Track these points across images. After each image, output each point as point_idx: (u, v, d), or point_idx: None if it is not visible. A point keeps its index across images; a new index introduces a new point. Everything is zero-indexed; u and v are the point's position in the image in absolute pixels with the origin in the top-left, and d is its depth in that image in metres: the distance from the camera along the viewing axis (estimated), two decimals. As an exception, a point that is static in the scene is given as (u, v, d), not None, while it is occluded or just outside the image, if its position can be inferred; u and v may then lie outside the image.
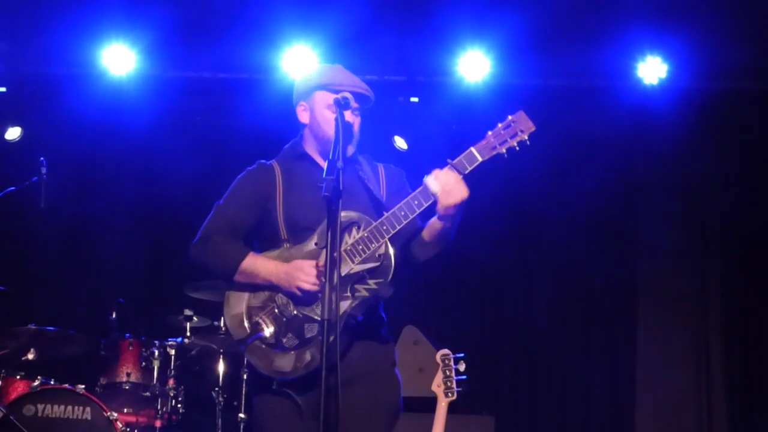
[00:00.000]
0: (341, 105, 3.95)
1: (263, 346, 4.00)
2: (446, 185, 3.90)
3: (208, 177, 7.48)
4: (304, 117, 4.26)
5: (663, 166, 8.21)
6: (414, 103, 7.95)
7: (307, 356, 3.94)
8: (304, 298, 3.96)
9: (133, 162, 8.16)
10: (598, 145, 8.00)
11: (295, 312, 3.98)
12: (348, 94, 4.04)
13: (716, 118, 7.93)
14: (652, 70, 7.61)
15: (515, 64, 7.63)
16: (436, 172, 3.93)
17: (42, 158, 6.39)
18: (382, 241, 3.93)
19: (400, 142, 7.94)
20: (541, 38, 7.40)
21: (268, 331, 4.00)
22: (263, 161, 4.29)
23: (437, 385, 5.10)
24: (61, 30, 7.36)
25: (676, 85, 7.66)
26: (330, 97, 4.12)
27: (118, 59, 7.60)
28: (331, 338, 3.58)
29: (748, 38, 7.30)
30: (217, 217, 4.20)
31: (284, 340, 3.98)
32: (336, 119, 3.91)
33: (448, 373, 5.09)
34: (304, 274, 3.92)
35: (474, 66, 7.63)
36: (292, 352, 3.96)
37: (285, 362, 3.96)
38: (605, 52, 7.51)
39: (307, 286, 3.91)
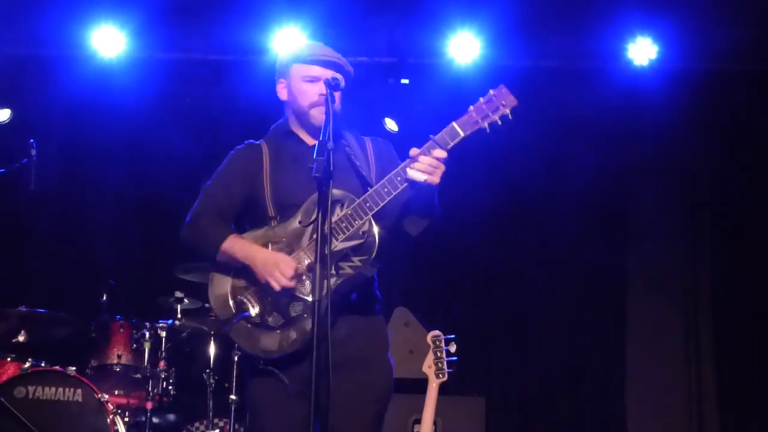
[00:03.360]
0: (331, 85, 3.96)
1: (248, 325, 4.01)
2: (428, 169, 3.90)
3: (198, 158, 7.48)
4: (283, 94, 4.27)
5: (653, 147, 8.22)
6: (404, 84, 7.94)
7: (292, 335, 3.94)
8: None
9: (123, 144, 8.13)
10: (589, 127, 8.01)
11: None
12: (333, 72, 4.10)
13: (706, 99, 7.93)
14: (642, 51, 7.60)
15: (506, 46, 7.61)
16: (414, 157, 3.91)
17: (32, 140, 6.36)
18: (365, 218, 3.93)
19: (391, 124, 7.94)
20: (532, 20, 7.39)
21: (253, 310, 4.01)
22: (251, 141, 4.30)
23: (428, 367, 5.11)
24: (50, 11, 7.33)
25: (666, 67, 7.66)
26: (304, 69, 4.16)
27: (108, 41, 7.56)
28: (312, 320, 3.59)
29: (737, 19, 7.30)
30: (204, 199, 4.21)
31: (269, 319, 3.98)
32: (325, 100, 3.92)
33: (438, 355, 5.10)
34: (279, 272, 3.92)
35: (464, 48, 7.62)
36: (277, 331, 3.97)
37: (270, 341, 3.97)
38: (595, 33, 7.51)
39: (276, 285, 3.92)
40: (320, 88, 4.07)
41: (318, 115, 4.10)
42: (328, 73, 4.11)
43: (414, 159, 3.91)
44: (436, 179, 3.91)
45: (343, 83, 4.09)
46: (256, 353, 4.02)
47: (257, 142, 4.28)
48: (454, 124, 3.94)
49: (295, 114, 4.24)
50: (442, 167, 3.91)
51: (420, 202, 4.04)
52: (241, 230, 4.20)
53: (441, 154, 3.90)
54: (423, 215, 4.09)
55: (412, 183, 3.91)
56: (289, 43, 7.33)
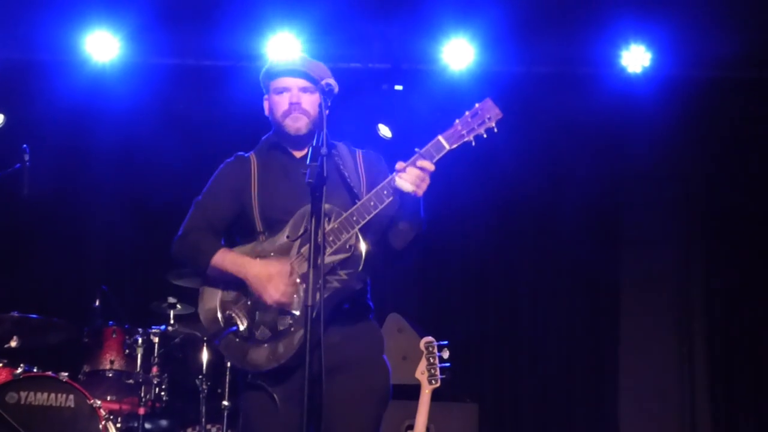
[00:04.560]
0: (325, 92, 3.95)
1: (237, 339, 4.01)
2: (415, 181, 3.92)
3: (191, 164, 7.46)
4: (267, 109, 4.31)
5: (647, 153, 8.23)
6: (398, 91, 7.95)
7: (280, 348, 3.94)
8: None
9: (116, 149, 8.11)
10: (582, 133, 8.02)
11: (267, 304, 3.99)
12: (304, 81, 4.13)
13: (699, 106, 7.96)
14: (635, 58, 7.63)
15: (499, 52, 7.63)
16: (401, 170, 3.93)
17: (25, 145, 6.35)
18: (352, 231, 3.93)
19: (385, 131, 7.94)
20: (525, 26, 7.40)
21: (241, 325, 4.00)
22: (241, 153, 4.31)
23: (421, 373, 5.10)
24: (44, 16, 7.33)
25: (660, 74, 7.69)
26: (275, 82, 4.20)
27: (102, 46, 7.58)
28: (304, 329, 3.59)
29: (730, 26, 7.32)
30: (194, 214, 4.22)
31: (257, 333, 3.98)
32: (319, 105, 3.93)
33: (431, 361, 5.09)
34: (273, 286, 3.93)
35: (458, 54, 7.64)
36: (265, 345, 3.96)
37: (258, 355, 3.97)
38: (589, 40, 7.53)
39: (269, 300, 3.93)
40: (290, 97, 4.13)
41: (291, 124, 4.14)
42: (297, 83, 4.15)
43: (400, 171, 3.92)
44: (420, 191, 3.93)
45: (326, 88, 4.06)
46: (244, 367, 4.03)
47: (246, 155, 4.29)
48: (440, 137, 3.95)
49: (274, 127, 4.27)
50: (428, 180, 3.93)
51: (406, 213, 4.05)
52: (232, 244, 4.19)
53: (428, 166, 3.91)
54: (408, 226, 4.09)
55: (399, 195, 3.93)
56: (282, 49, 7.33)
